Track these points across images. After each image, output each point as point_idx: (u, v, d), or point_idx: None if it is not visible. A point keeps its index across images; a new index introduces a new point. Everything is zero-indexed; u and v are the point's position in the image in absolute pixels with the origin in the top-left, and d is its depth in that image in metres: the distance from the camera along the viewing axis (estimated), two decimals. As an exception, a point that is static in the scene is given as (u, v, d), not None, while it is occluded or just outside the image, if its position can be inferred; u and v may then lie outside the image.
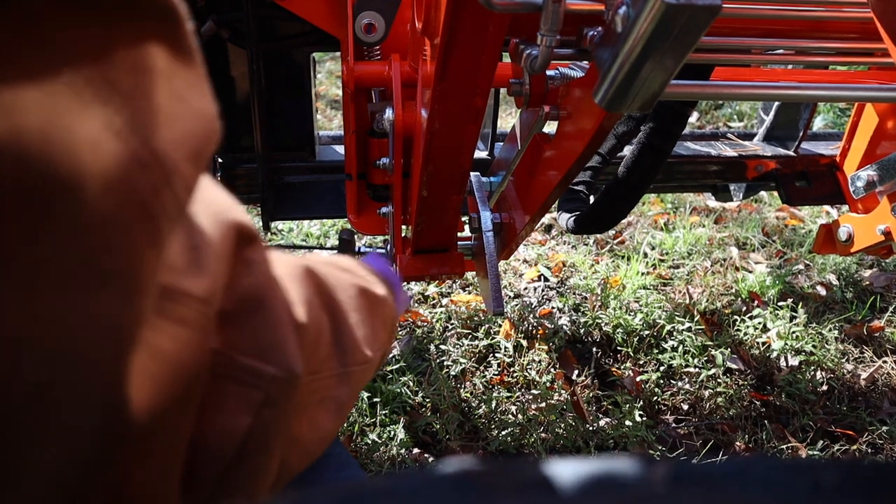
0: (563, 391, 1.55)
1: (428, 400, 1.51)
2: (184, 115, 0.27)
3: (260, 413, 0.35)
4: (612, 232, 2.19)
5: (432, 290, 1.87)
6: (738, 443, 1.47)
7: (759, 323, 1.77)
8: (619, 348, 1.70)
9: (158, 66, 0.26)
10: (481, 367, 1.62)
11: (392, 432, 1.41)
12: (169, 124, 0.26)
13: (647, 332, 1.72)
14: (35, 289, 0.21)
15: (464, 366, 1.60)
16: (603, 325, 1.75)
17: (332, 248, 1.48)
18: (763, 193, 2.38)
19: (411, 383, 1.53)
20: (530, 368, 1.60)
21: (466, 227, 1.03)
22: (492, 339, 1.68)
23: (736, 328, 1.77)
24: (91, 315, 0.23)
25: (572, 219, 0.99)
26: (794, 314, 1.81)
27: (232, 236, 0.34)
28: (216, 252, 0.32)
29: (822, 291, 1.95)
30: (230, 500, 0.35)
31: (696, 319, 1.77)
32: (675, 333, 1.73)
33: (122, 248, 0.24)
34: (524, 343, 1.68)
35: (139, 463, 0.28)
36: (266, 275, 0.37)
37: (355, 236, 1.14)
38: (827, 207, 2.37)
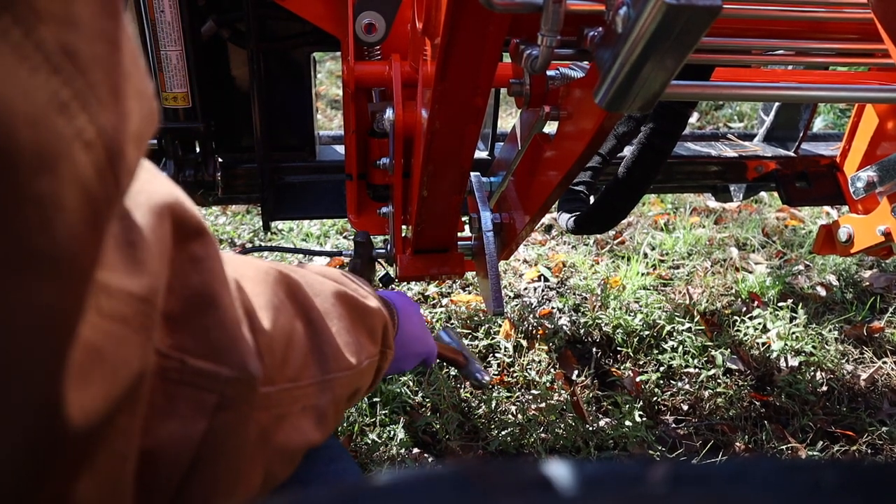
0: (562, 391, 1.55)
1: (428, 400, 1.50)
2: (129, 94, 0.25)
3: (216, 417, 0.34)
4: (612, 232, 2.19)
5: (432, 290, 1.87)
6: (737, 443, 1.47)
7: (759, 323, 1.77)
8: (618, 349, 1.70)
9: (114, 34, 0.24)
10: (481, 368, 1.62)
11: (392, 432, 1.41)
12: (116, 102, 0.24)
13: (646, 333, 1.72)
14: None
15: (464, 366, 1.60)
16: (603, 325, 1.75)
17: (327, 253, 1.47)
18: (763, 194, 2.38)
19: (411, 383, 1.53)
20: (530, 368, 1.60)
21: (466, 227, 1.03)
22: (492, 339, 1.68)
23: (736, 329, 1.77)
24: (25, 300, 0.21)
25: (572, 219, 0.99)
26: (794, 315, 1.81)
27: (173, 231, 0.32)
28: (156, 249, 0.30)
29: (822, 292, 1.95)
30: None
31: (695, 320, 1.77)
32: (674, 334, 1.73)
33: (60, 230, 0.22)
34: (524, 343, 1.68)
35: (81, 470, 0.26)
36: (215, 271, 0.35)
37: (370, 237, 1.13)
38: (827, 208, 2.37)
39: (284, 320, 0.42)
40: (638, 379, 1.60)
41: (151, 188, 0.31)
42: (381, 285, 1.27)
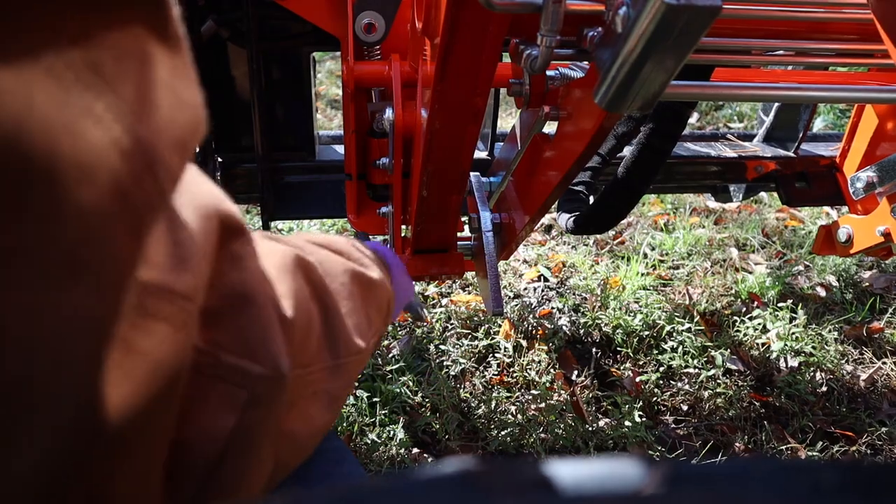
0: (562, 391, 1.55)
1: (427, 400, 1.50)
2: (169, 104, 0.26)
3: (245, 413, 0.34)
4: (611, 232, 2.19)
5: (432, 290, 1.87)
6: (737, 444, 1.47)
7: (759, 324, 1.77)
8: (618, 349, 1.70)
9: (144, 52, 0.25)
10: (481, 368, 1.62)
11: (391, 432, 1.41)
12: (153, 112, 0.25)
13: (646, 333, 1.72)
14: (8, 279, 0.20)
15: (463, 366, 1.60)
16: (602, 325, 1.75)
17: None
18: (763, 194, 2.38)
19: (411, 383, 1.53)
20: (530, 369, 1.60)
21: (466, 227, 1.03)
22: (491, 340, 1.68)
23: (735, 329, 1.77)
24: (67, 309, 0.22)
25: (572, 219, 0.99)
26: (793, 315, 1.81)
27: (217, 230, 0.33)
28: (200, 248, 0.31)
29: (822, 292, 1.95)
30: (216, 501, 0.34)
31: (695, 320, 1.77)
32: (674, 334, 1.73)
33: (101, 240, 0.23)
34: (524, 343, 1.67)
35: (118, 464, 0.27)
36: (253, 270, 0.36)
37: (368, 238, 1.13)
38: (827, 208, 2.37)
39: (303, 307, 0.42)
40: (638, 379, 1.60)
41: (198, 190, 0.32)
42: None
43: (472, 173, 0.89)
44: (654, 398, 1.56)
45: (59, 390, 0.23)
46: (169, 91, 0.26)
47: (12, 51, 0.20)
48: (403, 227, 1.09)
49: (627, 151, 0.85)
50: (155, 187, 0.25)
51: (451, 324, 1.74)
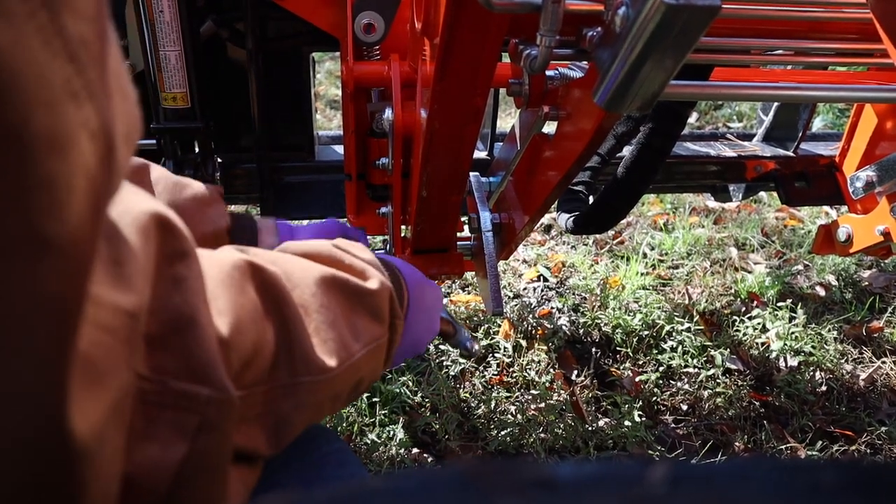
0: (562, 391, 1.55)
1: (427, 400, 1.50)
2: (122, 94, 0.26)
3: (197, 439, 0.33)
4: (611, 232, 2.19)
5: (432, 290, 1.87)
6: (737, 443, 1.47)
7: (759, 323, 1.77)
8: (618, 349, 1.70)
9: (109, 35, 0.24)
10: (480, 368, 1.62)
11: (391, 432, 1.41)
12: (113, 99, 0.24)
13: (646, 333, 1.72)
14: None
15: (463, 366, 1.60)
16: (602, 325, 1.75)
17: None
18: (762, 194, 2.38)
19: (410, 383, 1.53)
20: (529, 369, 1.60)
21: (466, 228, 1.03)
22: (491, 340, 1.68)
23: (735, 328, 1.77)
24: (31, 286, 0.21)
25: (571, 219, 0.99)
26: (793, 315, 1.81)
27: (157, 250, 0.31)
28: (142, 268, 0.29)
29: (822, 292, 1.95)
30: None
31: (695, 320, 1.77)
32: (674, 334, 1.73)
33: (68, 214, 0.22)
34: (523, 343, 1.68)
35: (82, 491, 0.25)
36: (197, 290, 0.34)
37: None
38: (826, 208, 2.37)
39: (250, 322, 0.39)
40: (637, 379, 1.60)
41: (137, 206, 0.31)
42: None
43: (471, 173, 0.89)
44: (654, 398, 1.56)
45: (27, 391, 0.22)
46: (117, 80, 0.25)
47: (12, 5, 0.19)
48: (403, 227, 1.09)
49: (627, 151, 0.85)
50: (110, 177, 0.24)
51: (451, 324, 1.74)
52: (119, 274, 0.27)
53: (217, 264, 0.40)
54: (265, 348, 0.41)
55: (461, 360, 1.61)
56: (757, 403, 1.56)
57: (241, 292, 0.39)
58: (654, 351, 1.69)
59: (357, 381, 0.51)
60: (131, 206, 0.30)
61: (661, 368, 1.63)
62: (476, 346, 0.92)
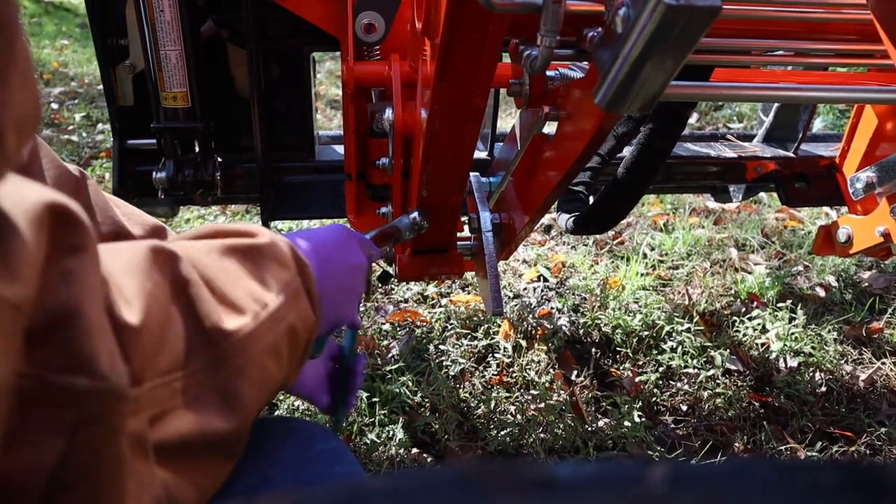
0: (562, 391, 1.55)
1: (427, 400, 1.50)
2: (22, 84, 0.25)
3: (76, 434, 0.31)
4: (611, 233, 2.19)
5: (431, 290, 1.87)
6: (736, 444, 1.47)
7: (759, 324, 1.77)
8: (618, 349, 1.70)
9: (18, 25, 0.24)
10: (480, 368, 1.62)
11: (391, 432, 1.41)
12: (9, 87, 0.24)
13: (646, 333, 1.72)
14: None
15: (463, 366, 1.60)
16: (602, 325, 1.75)
17: None
18: (762, 194, 2.38)
19: (410, 383, 1.53)
20: (529, 369, 1.60)
21: (466, 228, 1.03)
22: (491, 340, 1.68)
23: (735, 329, 1.77)
24: None
25: (572, 219, 0.99)
26: (793, 315, 1.81)
27: (49, 243, 0.30)
28: (33, 259, 0.29)
29: (822, 293, 1.95)
30: None
31: (695, 320, 1.77)
32: (674, 334, 1.73)
33: None
34: (523, 343, 1.68)
35: None
36: (84, 282, 0.32)
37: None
38: (826, 209, 2.37)
39: (159, 307, 0.39)
40: (637, 379, 1.60)
41: (32, 196, 0.30)
42: (379, 284, 1.27)
43: (471, 173, 0.89)
44: (654, 398, 1.56)
45: None
46: (19, 71, 0.25)
47: None
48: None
49: (627, 151, 0.85)
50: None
51: (451, 324, 1.74)
52: (7, 265, 0.26)
53: (123, 255, 0.39)
54: (177, 330, 0.41)
55: (461, 360, 1.61)
56: (757, 404, 1.56)
57: (147, 278, 0.39)
58: (654, 351, 1.68)
59: (289, 329, 0.51)
60: (26, 196, 0.29)
61: (660, 369, 1.63)
62: (416, 215, 0.89)
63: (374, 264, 1.17)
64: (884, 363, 1.70)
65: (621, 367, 1.65)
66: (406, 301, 1.85)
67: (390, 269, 1.26)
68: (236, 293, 0.46)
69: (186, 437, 0.40)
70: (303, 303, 0.53)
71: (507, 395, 1.53)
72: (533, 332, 1.72)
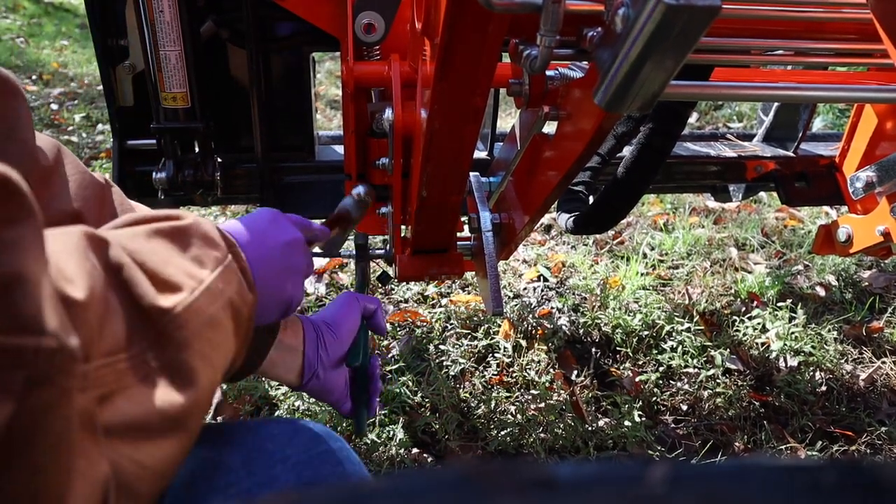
0: (562, 391, 1.55)
1: (427, 400, 1.50)
2: None
3: (26, 396, 0.30)
4: (611, 232, 2.19)
5: (431, 290, 1.87)
6: (737, 443, 1.47)
7: (759, 323, 1.77)
8: (618, 349, 1.70)
9: None
10: (480, 368, 1.62)
11: (391, 432, 1.41)
12: None
13: (646, 333, 1.72)
14: None
15: (463, 366, 1.60)
16: (602, 325, 1.75)
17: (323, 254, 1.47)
18: (762, 194, 2.38)
19: (410, 383, 1.53)
20: (529, 369, 1.60)
21: (466, 228, 1.03)
22: (491, 340, 1.68)
23: (735, 329, 1.77)
24: None
25: (571, 219, 0.99)
26: (793, 315, 1.81)
27: None
28: None
29: (822, 292, 1.95)
30: None
31: (695, 320, 1.77)
32: (674, 334, 1.73)
33: None
34: (523, 343, 1.68)
35: None
36: (28, 250, 0.32)
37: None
38: (826, 208, 2.38)
39: (99, 288, 0.39)
40: (637, 379, 1.60)
41: None
42: (379, 284, 1.27)
43: (471, 173, 0.89)
44: (654, 398, 1.56)
45: None
46: None
47: None
48: (403, 227, 1.09)
49: (627, 151, 0.85)
50: None
51: (451, 324, 1.74)
52: None
53: (59, 238, 0.39)
54: (114, 311, 0.41)
55: (461, 360, 1.61)
56: (757, 403, 1.56)
57: (86, 259, 0.39)
58: (654, 351, 1.69)
59: (229, 304, 0.51)
60: None
61: (661, 368, 1.63)
62: (360, 190, 0.88)
63: (373, 264, 1.17)
64: (884, 362, 1.70)
65: (621, 367, 1.65)
66: (406, 301, 1.85)
67: (390, 270, 1.26)
68: (169, 271, 0.47)
69: (137, 417, 0.40)
70: (237, 279, 0.54)
71: (508, 395, 1.53)
72: (533, 331, 1.72)
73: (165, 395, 0.42)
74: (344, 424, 1.42)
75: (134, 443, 0.40)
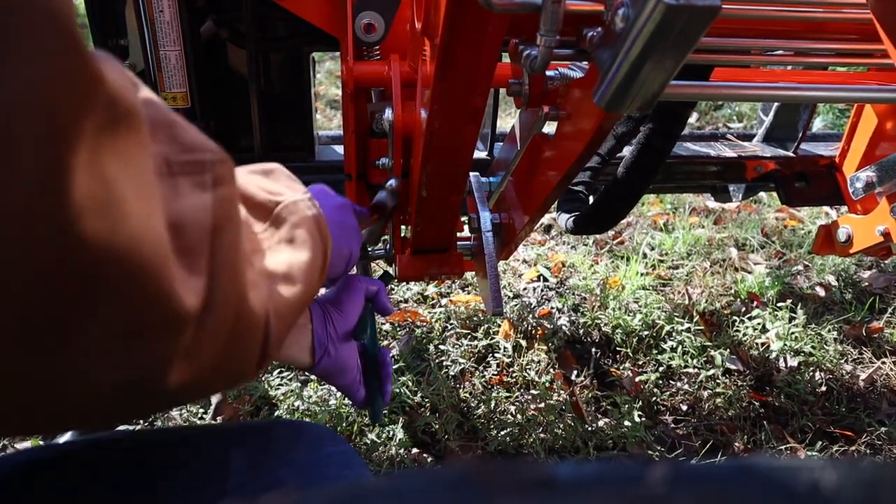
0: (562, 391, 1.55)
1: (427, 400, 1.50)
2: None
3: (217, 190, 0.39)
4: (611, 232, 2.19)
5: (431, 290, 1.87)
6: (737, 443, 1.47)
7: (759, 324, 1.77)
8: (618, 349, 1.70)
9: None
10: (480, 368, 1.62)
11: (391, 432, 1.41)
12: None
13: (646, 333, 1.72)
14: None
15: (463, 366, 1.60)
16: (602, 325, 1.75)
17: None
18: (762, 194, 2.38)
19: (410, 383, 1.53)
20: (529, 369, 1.60)
21: (466, 228, 1.03)
22: (491, 340, 1.68)
23: (735, 329, 1.77)
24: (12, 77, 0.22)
25: (571, 219, 0.99)
26: (793, 315, 1.81)
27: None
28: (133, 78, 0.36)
29: (822, 292, 1.95)
30: (231, 257, 0.40)
31: (695, 320, 1.77)
32: (674, 334, 1.73)
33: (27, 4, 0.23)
34: (523, 343, 1.68)
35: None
36: (160, 106, 0.40)
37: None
38: (826, 208, 2.37)
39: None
40: (637, 379, 1.60)
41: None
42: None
43: (471, 173, 0.89)
44: (654, 398, 1.56)
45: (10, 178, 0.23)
46: None
47: None
48: (403, 227, 1.09)
49: (627, 151, 0.85)
50: None
51: (451, 324, 1.74)
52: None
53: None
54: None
55: (461, 360, 1.61)
56: (757, 404, 1.56)
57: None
58: (654, 351, 1.69)
59: (315, 221, 0.59)
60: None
61: (660, 368, 1.63)
62: (394, 181, 0.97)
63: (373, 264, 1.17)
64: (884, 362, 1.70)
65: (621, 367, 1.65)
66: (406, 301, 1.85)
67: (390, 270, 1.26)
68: (271, 186, 0.58)
69: (277, 267, 0.51)
70: (319, 212, 0.61)
71: (507, 395, 1.53)
72: (533, 331, 1.72)
73: (290, 255, 0.53)
74: (343, 425, 1.42)
75: (276, 284, 0.49)
